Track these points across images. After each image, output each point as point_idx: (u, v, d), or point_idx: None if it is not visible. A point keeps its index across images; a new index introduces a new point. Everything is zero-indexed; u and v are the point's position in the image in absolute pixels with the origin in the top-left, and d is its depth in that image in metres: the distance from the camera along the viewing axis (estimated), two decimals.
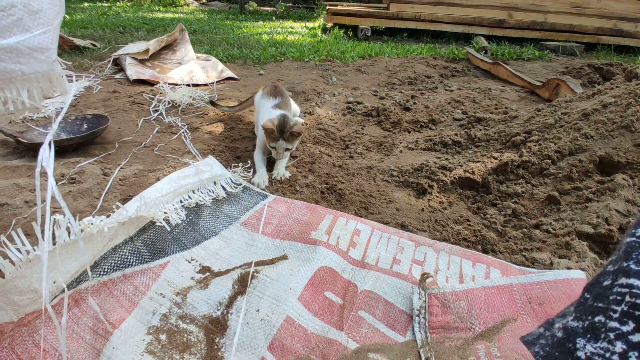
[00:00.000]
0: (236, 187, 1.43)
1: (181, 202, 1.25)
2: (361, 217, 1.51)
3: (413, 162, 2.01)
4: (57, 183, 1.59)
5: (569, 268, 1.14)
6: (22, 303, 0.88)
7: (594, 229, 1.32)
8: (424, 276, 1.09)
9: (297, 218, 1.32)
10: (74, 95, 2.68)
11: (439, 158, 2.07)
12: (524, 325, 0.95)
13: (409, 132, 2.51)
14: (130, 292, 1.02)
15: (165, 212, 1.19)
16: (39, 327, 0.88)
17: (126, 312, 0.98)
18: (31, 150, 1.86)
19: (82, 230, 0.95)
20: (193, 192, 1.30)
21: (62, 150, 1.87)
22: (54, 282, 0.92)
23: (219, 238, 1.27)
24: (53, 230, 0.89)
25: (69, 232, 0.92)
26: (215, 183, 1.38)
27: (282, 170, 1.75)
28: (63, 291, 0.93)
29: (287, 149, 1.73)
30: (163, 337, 0.94)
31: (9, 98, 0.76)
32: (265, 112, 1.90)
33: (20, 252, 0.84)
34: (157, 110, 2.49)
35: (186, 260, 1.17)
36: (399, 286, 1.10)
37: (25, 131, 1.98)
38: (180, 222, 1.23)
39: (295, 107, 2.28)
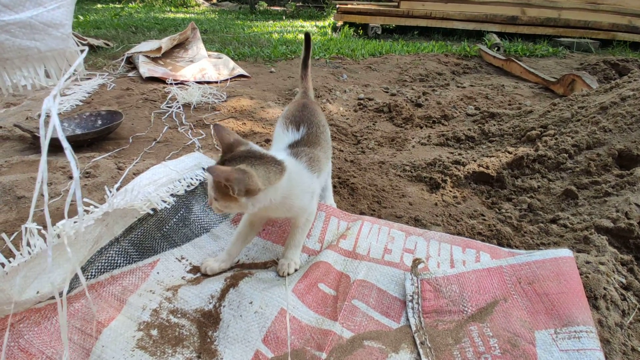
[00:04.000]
0: None
1: (168, 190, 1.23)
2: (374, 211, 1.50)
3: (426, 157, 1.99)
4: (71, 178, 1.61)
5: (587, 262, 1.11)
6: (2, 310, 0.86)
7: (614, 223, 1.29)
8: (416, 262, 1.10)
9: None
10: (88, 93, 2.72)
11: (452, 153, 2.05)
12: (515, 305, 0.95)
13: (421, 127, 2.49)
14: (119, 292, 1.02)
15: (149, 201, 1.15)
16: (24, 330, 0.87)
17: (115, 311, 0.98)
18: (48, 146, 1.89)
19: (58, 235, 0.93)
20: (179, 181, 1.27)
21: (78, 145, 1.90)
22: (37, 292, 0.90)
23: (209, 236, 1.25)
24: (27, 240, 0.87)
25: (44, 239, 0.89)
26: (204, 169, 1.35)
27: (292, 256, 1.12)
28: (51, 298, 0.91)
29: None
30: (154, 332, 0.94)
31: (27, 77, 0.76)
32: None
33: None
34: (169, 107, 2.51)
35: (176, 258, 1.16)
36: (391, 274, 1.10)
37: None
38: (170, 210, 1.21)
39: (330, 148, 1.35)
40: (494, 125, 2.28)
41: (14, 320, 0.88)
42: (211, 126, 0.91)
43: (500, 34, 5.47)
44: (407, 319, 0.98)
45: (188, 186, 1.26)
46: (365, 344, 0.91)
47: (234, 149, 0.98)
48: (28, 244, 0.83)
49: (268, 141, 2.09)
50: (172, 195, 1.20)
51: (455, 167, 1.82)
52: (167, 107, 2.53)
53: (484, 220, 1.48)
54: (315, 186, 1.11)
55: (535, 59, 4.53)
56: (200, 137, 2.09)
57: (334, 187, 1.64)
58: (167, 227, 1.17)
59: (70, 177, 1.63)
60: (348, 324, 0.97)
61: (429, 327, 0.94)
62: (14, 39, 0.76)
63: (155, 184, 1.16)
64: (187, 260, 1.15)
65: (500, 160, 1.79)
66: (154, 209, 1.15)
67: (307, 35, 1.51)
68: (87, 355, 0.87)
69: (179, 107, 2.52)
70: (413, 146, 2.20)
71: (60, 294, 0.90)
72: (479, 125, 2.35)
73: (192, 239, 1.20)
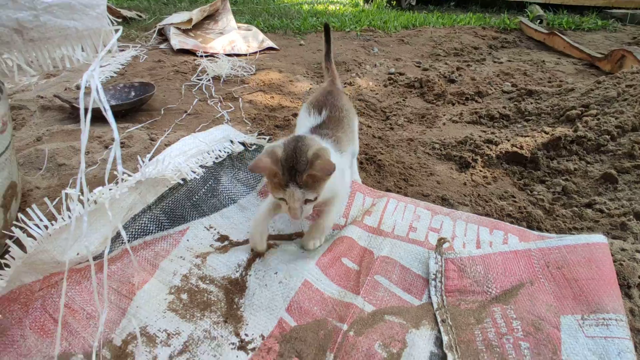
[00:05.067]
0: (252, 147, 1.41)
1: (197, 162, 1.26)
2: (400, 188, 1.49)
3: (456, 135, 1.93)
4: (107, 147, 1.68)
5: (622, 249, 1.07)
6: (46, 268, 0.93)
7: None
8: (441, 241, 1.09)
9: None
10: (122, 65, 2.78)
11: (484, 132, 1.98)
12: (541, 289, 0.93)
13: (453, 104, 2.41)
14: (151, 257, 1.07)
15: (179, 172, 1.18)
16: (67, 289, 0.93)
17: (148, 274, 1.03)
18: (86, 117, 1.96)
19: (95, 201, 0.97)
20: (208, 153, 1.30)
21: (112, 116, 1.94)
22: (77, 254, 0.96)
23: (237, 207, 1.29)
24: (67, 204, 0.92)
25: (82, 205, 0.93)
26: (232, 142, 1.37)
27: (316, 239, 1.10)
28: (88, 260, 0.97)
29: (308, 201, 0.97)
30: (184, 296, 0.99)
31: (65, 55, 0.79)
32: None
33: (39, 227, 0.87)
34: (199, 79, 2.54)
35: (205, 227, 1.20)
36: (415, 252, 1.10)
37: (79, 97, 2.08)
38: (199, 181, 1.24)
39: (355, 132, 1.33)
40: (531, 103, 2.17)
41: (58, 279, 0.95)
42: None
43: (544, 6, 5.12)
44: (429, 297, 0.98)
45: (216, 158, 1.29)
46: (386, 318, 0.93)
47: (277, 156, 0.95)
48: (68, 209, 0.88)
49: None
50: (201, 166, 1.23)
51: (487, 146, 1.76)
52: (197, 79, 2.56)
53: (514, 202, 1.44)
54: (343, 165, 1.10)
55: (581, 32, 4.24)
56: (229, 110, 2.11)
57: (361, 163, 1.63)
58: (196, 197, 1.21)
59: (106, 147, 1.69)
60: (370, 298, 0.98)
61: (451, 305, 0.94)
62: (55, 19, 0.79)
63: (185, 155, 1.20)
64: (215, 229, 1.19)
65: (535, 141, 1.72)
66: (183, 179, 1.19)
67: (327, 27, 1.49)
68: (123, 314, 0.93)
69: (209, 80, 2.55)
70: (444, 123, 2.14)
71: (96, 258, 0.97)
72: (515, 103, 2.24)
73: (220, 209, 1.24)
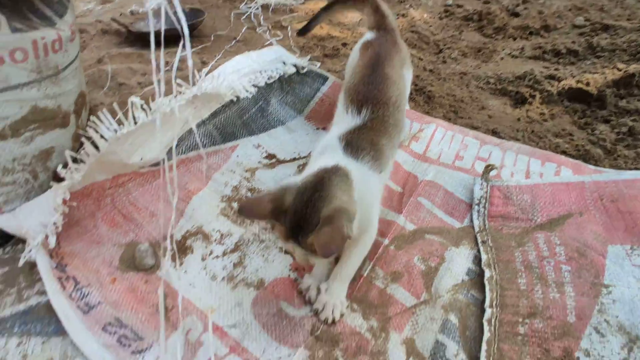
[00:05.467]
0: (303, 70, 1.41)
1: (250, 81, 1.28)
2: (449, 120, 1.45)
3: (515, 70, 1.82)
4: (161, 71, 1.74)
5: None
6: (114, 169, 1.02)
7: None
8: (488, 168, 1.07)
9: None
10: None
11: (546, 68, 1.84)
12: (590, 220, 0.91)
13: (514, 39, 2.23)
14: (205, 169, 1.14)
15: (232, 89, 1.21)
16: (132, 189, 1.04)
17: (202, 184, 1.11)
18: (139, 40, 2.02)
19: (157, 112, 1.02)
20: (260, 72, 1.31)
21: (164, 40, 1.99)
22: (141, 159, 1.04)
23: (285, 128, 1.31)
24: (132, 112, 0.97)
25: (145, 113, 0.99)
26: (284, 63, 1.37)
27: (338, 292, 0.81)
28: (154, 164, 1.07)
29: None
30: (235, 204, 1.06)
31: None
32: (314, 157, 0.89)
33: (109, 130, 0.93)
34: (249, 7, 2.50)
35: (254, 145, 1.25)
36: (460, 178, 1.10)
37: (134, 22, 2.14)
38: (250, 100, 1.26)
39: (399, 125, 0.97)
40: (606, 39, 1.96)
41: (124, 180, 1.04)
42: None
43: None
44: (471, 221, 0.99)
45: (268, 78, 1.30)
46: (426, 236, 0.95)
47: (284, 203, 0.71)
48: (133, 117, 0.95)
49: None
50: (253, 85, 1.26)
51: (549, 82, 1.65)
52: (247, 7, 2.52)
53: (572, 139, 1.36)
54: (376, 190, 0.85)
55: None
56: (277, 39, 2.08)
57: (410, 94, 1.59)
58: (247, 115, 1.25)
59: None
60: (412, 217, 1.00)
61: (492, 229, 0.95)
62: None
63: (239, 73, 1.22)
64: (263, 147, 1.24)
65: (605, 78, 1.58)
66: (236, 97, 1.22)
67: None
68: (181, 215, 1.02)
69: (257, 8, 2.50)
70: (502, 58, 2.00)
71: (154, 166, 1.05)
72: (587, 38, 2.03)
73: (268, 129, 1.28)
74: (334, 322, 0.78)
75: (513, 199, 0.99)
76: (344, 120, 0.91)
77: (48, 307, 0.78)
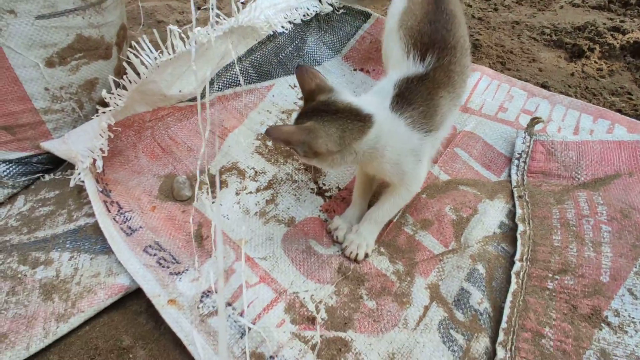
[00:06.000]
0: (339, 10, 1.33)
1: (285, 17, 1.23)
2: (495, 71, 1.36)
3: (574, 20, 1.66)
4: (200, 8, 1.72)
5: None
6: (154, 100, 1.03)
7: None
8: (534, 121, 1.02)
9: None
10: None
11: (611, 19, 1.67)
12: None
13: None
14: (241, 107, 1.14)
15: (269, 23, 1.17)
16: (171, 124, 1.06)
17: (238, 122, 1.11)
18: None
19: (194, 41, 1.00)
20: (296, 9, 1.26)
21: None
22: (180, 91, 1.05)
23: (321, 68, 1.28)
24: (171, 40, 0.96)
25: (184, 42, 0.97)
26: (320, 1, 1.31)
27: (367, 234, 0.83)
28: (192, 100, 1.08)
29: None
30: (269, 143, 1.06)
31: None
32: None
33: (149, 58, 0.93)
34: None
35: (289, 85, 1.22)
36: (502, 130, 1.05)
37: None
38: (286, 38, 1.23)
39: (464, 75, 0.86)
40: None
41: (164, 114, 1.06)
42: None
43: None
44: (509, 175, 0.96)
45: (304, 15, 1.25)
46: (460, 187, 0.94)
47: (315, 97, 0.75)
48: (172, 45, 0.95)
49: None
50: (289, 22, 1.21)
51: (612, 35, 1.50)
52: None
53: (630, 99, 1.26)
54: (422, 148, 0.77)
55: None
56: None
57: None
58: (283, 54, 1.22)
59: (199, 8, 1.72)
60: (446, 168, 0.98)
61: (530, 185, 0.92)
62: None
63: (275, 8, 1.18)
64: (298, 88, 1.21)
65: None
66: (272, 33, 1.19)
67: None
68: (218, 151, 1.04)
69: None
70: (561, 7, 1.83)
71: (192, 100, 1.06)
72: None
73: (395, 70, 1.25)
74: (356, 260, 0.81)
75: (557, 155, 0.94)
76: (404, 65, 0.82)
77: (95, 228, 0.84)
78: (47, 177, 0.99)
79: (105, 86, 1.04)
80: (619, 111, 1.19)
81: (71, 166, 0.98)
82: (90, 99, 1.04)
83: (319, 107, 0.73)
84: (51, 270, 0.78)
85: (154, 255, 0.78)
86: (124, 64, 0.91)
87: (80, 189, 0.93)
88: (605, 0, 1.80)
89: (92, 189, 0.87)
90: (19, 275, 0.77)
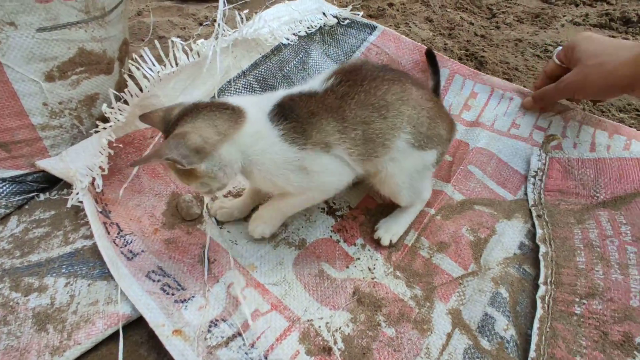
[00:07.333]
0: (344, 21, 1.32)
1: (290, 30, 1.21)
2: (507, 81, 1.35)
3: None
4: (201, 24, 1.70)
5: None
6: None
7: None
8: (549, 138, 1.00)
9: (406, 65, 1.20)
10: None
11: (613, 37, 1.68)
12: None
13: (577, 5, 2.05)
14: None
15: (273, 35, 1.15)
16: None
17: None
18: None
19: (197, 53, 0.98)
20: (300, 22, 1.23)
21: None
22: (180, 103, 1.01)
23: None
24: (174, 53, 0.94)
25: (187, 55, 0.95)
26: (324, 14, 1.29)
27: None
28: None
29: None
30: None
31: None
32: None
33: (152, 71, 0.90)
34: None
35: None
36: (516, 147, 1.03)
37: None
38: (290, 52, 1.21)
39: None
40: None
41: None
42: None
43: None
44: (525, 194, 0.93)
45: (308, 28, 1.23)
46: (475, 207, 0.90)
47: (170, 120, 0.69)
48: (175, 57, 0.92)
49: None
50: (293, 34, 1.20)
51: None
52: None
53: (638, 115, 1.25)
54: (310, 163, 0.70)
55: None
56: None
57: (460, 59, 1.49)
58: (287, 68, 1.19)
59: (200, 24, 1.71)
60: (460, 187, 0.95)
61: (549, 203, 0.89)
62: None
63: (279, 20, 1.17)
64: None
65: None
66: (276, 47, 1.16)
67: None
68: None
69: None
70: (562, 25, 1.84)
71: None
72: None
73: (308, 81, 1.22)
74: (379, 242, 0.83)
75: (574, 173, 0.92)
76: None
77: (93, 251, 0.79)
78: (42, 197, 0.94)
79: (106, 102, 1.01)
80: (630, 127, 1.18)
81: (68, 185, 0.93)
82: (90, 114, 1.00)
83: (177, 118, 0.67)
84: (45, 297, 0.72)
85: (158, 281, 0.73)
86: (125, 76, 0.88)
87: (77, 209, 0.88)
88: (606, 19, 1.81)
89: (91, 210, 0.82)
90: (11, 303, 0.71)
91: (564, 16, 1.92)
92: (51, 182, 0.96)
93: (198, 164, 0.63)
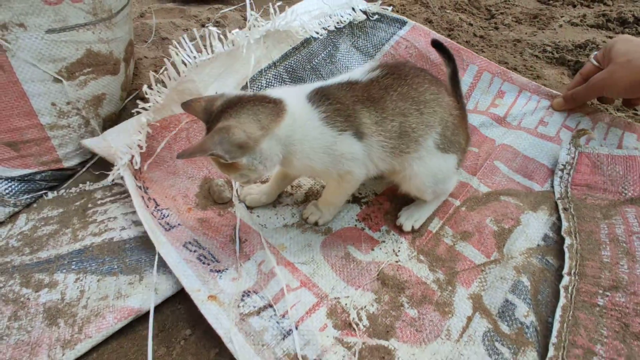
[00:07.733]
0: (374, 16, 1.33)
1: (320, 24, 1.23)
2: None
3: (575, 38, 1.68)
4: (204, 26, 1.73)
5: None
6: None
7: None
8: (580, 132, 1.00)
9: (435, 60, 1.20)
10: None
11: (610, 37, 1.69)
12: None
13: (574, 6, 2.05)
14: None
15: (304, 28, 1.17)
16: None
17: None
18: None
19: (232, 42, 1.02)
20: (329, 16, 1.26)
21: None
22: (216, 93, 1.03)
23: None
24: (210, 41, 0.97)
25: (222, 43, 0.99)
26: (354, 9, 1.31)
27: (325, 210, 0.88)
28: None
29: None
30: None
31: None
32: None
33: (189, 57, 0.95)
34: None
35: None
36: (542, 145, 1.03)
37: None
38: (319, 45, 1.23)
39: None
40: None
41: None
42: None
43: None
44: (552, 187, 0.94)
45: (338, 23, 1.26)
46: (501, 198, 0.92)
47: (212, 111, 0.70)
48: (211, 45, 0.96)
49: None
50: (323, 28, 1.23)
51: None
52: None
53: (635, 114, 1.24)
54: (344, 148, 0.72)
55: None
56: None
57: None
58: (316, 60, 1.22)
59: (203, 25, 1.74)
60: (486, 180, 0.96)
61: (575, 197, 0.89)
62: None
63: (310, 14, 1.20)
64: None
65: None
66: (306, 40, 1.19)
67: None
68: None
69: None
70: (560, 25, 1.84)
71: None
72: None
73: (336, 75, 1.24)
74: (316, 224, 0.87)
75: (603, 168, 0.92)
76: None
77: (101, 248, 0.81)
78: (50, 195, 0.95)
79: (112, 102, 1.06)
80: None
81: (75, 183, 0.97)
82: (96, 114, 1.02)
83: (220, 109, 0.68)
84: (56, 293, 0.73)
85: (194, 251, 0.77)
86: (165, 60, 0.92)
87: (85, 207, 0.91)
88: (603, 20, 1.81)
89: (131, 183, 0.87)
90: (22, 299, 0.72)
91: (561, 17, 1.92)
92: (59, 180, 0.99)
93: (240, 159, 0.66)
